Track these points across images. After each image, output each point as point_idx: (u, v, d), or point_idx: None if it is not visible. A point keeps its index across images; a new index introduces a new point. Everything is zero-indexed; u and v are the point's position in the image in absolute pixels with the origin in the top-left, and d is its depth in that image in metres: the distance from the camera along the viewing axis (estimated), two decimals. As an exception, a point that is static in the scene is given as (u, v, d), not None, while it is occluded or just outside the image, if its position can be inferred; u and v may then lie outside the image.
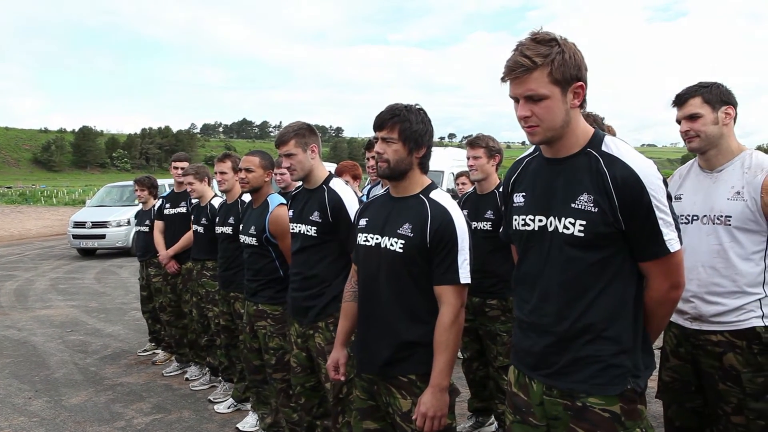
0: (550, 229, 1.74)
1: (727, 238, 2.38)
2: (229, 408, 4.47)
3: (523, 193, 1.86)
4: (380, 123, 2.22)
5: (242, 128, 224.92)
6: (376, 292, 2.26)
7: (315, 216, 2.89)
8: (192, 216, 4.96)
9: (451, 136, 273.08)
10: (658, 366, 2.65)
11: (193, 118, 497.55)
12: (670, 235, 1.65)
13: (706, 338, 2.43)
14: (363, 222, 2.37)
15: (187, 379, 5.28)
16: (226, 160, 4.30)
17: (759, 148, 2.43)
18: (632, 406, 1.68)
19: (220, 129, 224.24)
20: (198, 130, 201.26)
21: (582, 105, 1.73)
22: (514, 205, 1.89)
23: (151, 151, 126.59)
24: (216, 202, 4.64)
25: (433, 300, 2.18)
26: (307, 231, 2.92)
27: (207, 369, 5.16)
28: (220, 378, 4.88)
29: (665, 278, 1.71)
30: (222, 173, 4.26)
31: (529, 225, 1.81)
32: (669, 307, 1.78)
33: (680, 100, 2.49)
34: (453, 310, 2.13)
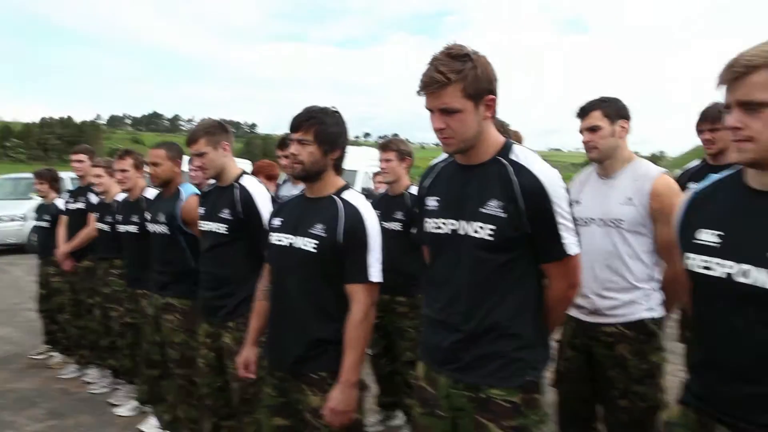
0: (461, 232, 1.82)
1: (619, 240, 2.57)
2: (133, 411, 4.26)
3: (437, 198, 1.94)
4: (296, 125, 2.23)
5: (152, 121, 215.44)
6: (288, 291, 2.28)
7: (225, 213, 2.83)
8: (96, 213, 4.70)
9: (366, 135, 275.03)
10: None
11: (98, 109, 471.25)
12: (569, 240, 1.78)
13: (601, 330, 2.61)
14: (277, 222, 2.38)
15: (86, 382, 4.98)
16: (127, 157, 4.08)
17: (652, 155, 2.67)
18: (531, 396, 1.80)
19: (128, 121, 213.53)
20: (104, 122, 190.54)
21: (493, 116, 1.83)
22: (427, 208, 1.95)
23: (51, 141, 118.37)
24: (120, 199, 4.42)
25: (344, 298, 2.20)
26: (218, 229, 2.85)
27: (108, 371, 4.90)
28: (122, 381, 4.66)
29: (564, 279, 1.85)
30: (123, 171, 4.04)
31: (441, 228, 1.88)
32: (566, 305, 1.94)
33: (583, 113, 2.68)
34: (363, 308, 2.18)
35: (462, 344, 1.83)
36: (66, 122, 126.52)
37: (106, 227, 4.50)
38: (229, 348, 2.83)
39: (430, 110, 1.79)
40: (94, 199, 4.89)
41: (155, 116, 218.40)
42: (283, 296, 2.31)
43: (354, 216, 2.21)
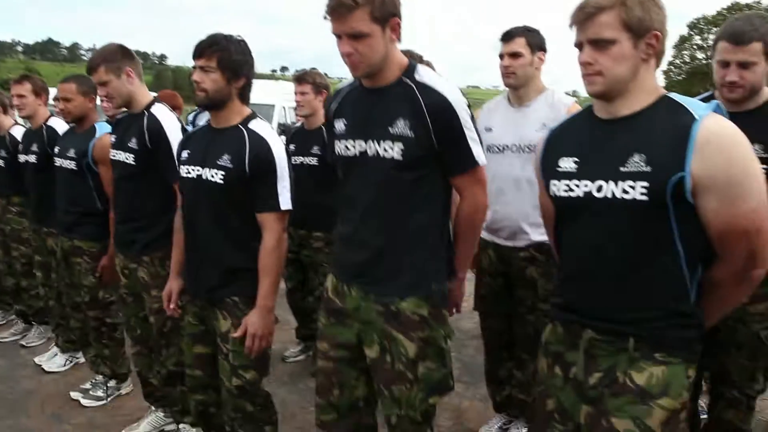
0: (370, 153, 1.89)
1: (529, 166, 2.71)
2: (65, 365, 4.02)
3: (344, 120, 1.98)
4: (199, 52, 2.21)
5: (47, 49, 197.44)
6: (199, 222, 2.33)
7: (133, 143, 2.73)
8: None
9: (284, 69, 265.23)
10: (473, 286, 3.01)
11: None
12: (477, 150, 1.89)
13: (515, 255, 2.80)
14: (185, 154, 2.38)
15: (-10, 327, 4.77)
16: (25, 82, 3.81)
17: (565, 93, 2.79)
18: (438, 310, 1.95)
19: (20, 48, 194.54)
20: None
21: (399, 39, 1.88)
22: (335, 131, 2.01)
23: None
24: (17, 132, 4.15)
25: (255, 227, 2.26)
26: (126, 159, 2.76)
27: (14, 316, 4.72)
28: (32, 322, 4.53)
29: (475, 188, 1.94)
30: (20, 96, 3.78)
31: (350, 150, 1.94)
32: (479, 221, 2.02)
33: (507, 37, 2.75)
34: (275, 235, 2.24)
35: (373, 259, 1.93)
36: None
37: (0, 162, 4.23)
38: (144, 282, 2.83)
39: (338, 36, 1.81)
40: None
41: (51, 43, 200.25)
42: (195, 227, 2.35)
43: (260, 145, 2.22)
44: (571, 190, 1.59)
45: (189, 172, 2.33)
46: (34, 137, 3.79)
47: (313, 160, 3.66)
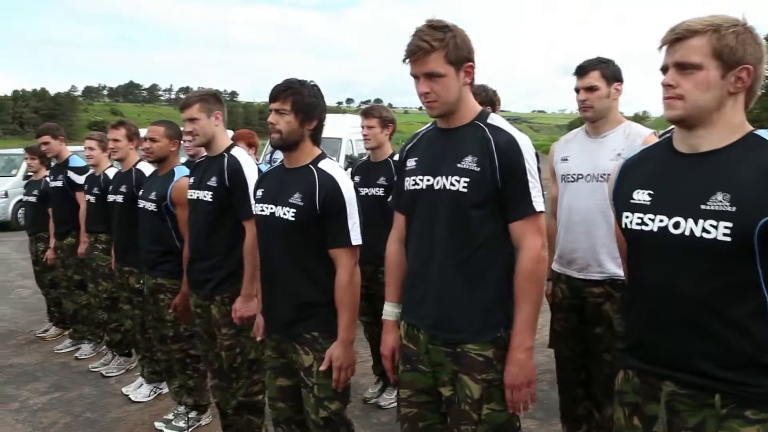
0: (437, 186, 1.93)
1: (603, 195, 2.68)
2: (149, 396, 4.19)
3: (416, 158, 2.06)
4: (274, 95, 2.34)
5: (129, 92, 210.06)
6: (274, 258, 2.40)
7: (212, 181, 2.89)
8: (85, 185, 4.71)
9: (349, 101, 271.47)
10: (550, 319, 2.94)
11: (73, 80, 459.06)
12: (537, 198, 1.89)
13: (590, 290, 2.73)
14: (260, 193, 2.48)
15: (76, 357, 5.04)
16: (120, 127, 4.11)
17: (635, 115, 2.75)
18: (503, 352, 1.91)
19: (105, 92, 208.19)
20: (80, 93, 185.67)
21: (472, 82, 1.96)
22: (407, 168, 2.08)
23: (26, 115, 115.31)
24: (111, 172, 4.45)
25: (328, 262, 2.33)
26: (204, 196, 2.91)
27: (104, 347, 4.98)
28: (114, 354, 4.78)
29: (533, 237, 1.87)
30: (115, 140, 4.07)
31: (418, 184, 2.00)
32: (539, 273, 1.89)
33: (582, 71, 2.73)
34: (348, 270, 2.31)
35: (438, 298, 1.94)
36: (40, 95, 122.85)
37: (92, 199, 4.53)
38: (216, 321, 2.96)
39: (416, 77, 1.92)
40: (75, 177, 4.91)
41: (132, 86, 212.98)
42: (270, 263, 2.42)
43: (330, 185, 2.30)
44: (644, 223, 1.52)
45: (263, 210, 2.41)
46: (124, 179, 4.04)
47: (379, 191, 3.71)
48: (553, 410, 3.39)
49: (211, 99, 2.97)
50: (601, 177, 2.65)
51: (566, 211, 2.78)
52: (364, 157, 4.00)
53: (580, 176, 2.74)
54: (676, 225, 1.45)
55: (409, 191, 2.03)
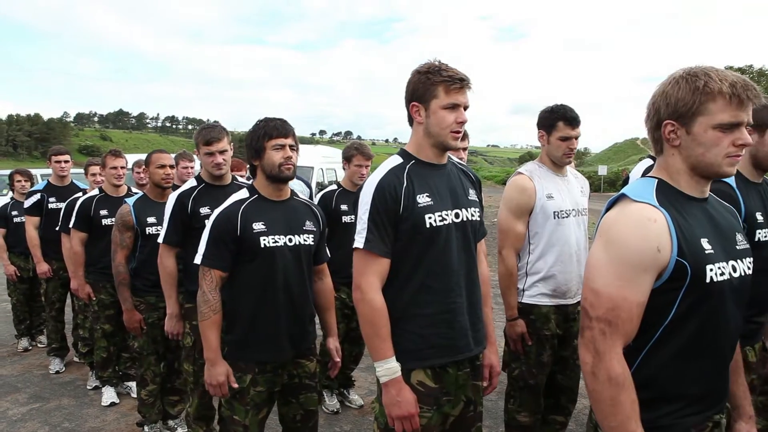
0: (465, 218, 1.95)
1: (584, 227, 2.82)
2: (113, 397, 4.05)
3: (427, 194, 1.87)
4: (286, 132, 2.25)
5: (119, 119, 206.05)
6: (295, 284, 2.31)
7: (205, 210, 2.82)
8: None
9: (322, 132, 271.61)
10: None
11: (65, 107, 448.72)
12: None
13: (575, 309, 2.72)
14: (260, 226, 2.24)
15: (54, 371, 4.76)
16: (120, 157, 4.07)
17: (577, 151, 2.73)
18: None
19: (95, 119, 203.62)
20: (71, 119, 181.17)
21: None
22: (421, 205, 1.84)
23: (19, 138, 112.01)
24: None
25: (311, 276, 2.46)
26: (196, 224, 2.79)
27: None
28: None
29: (482, 253, 2.13)
30: (120, 167, 4.02)
31: (446, 219, 1.88)
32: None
33: (576, 123, 2.68)
34: (330, 278, 2.60)
35: (479, 319, 2.00)
36: (34, 119, 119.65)
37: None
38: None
39: (455, 105, 1.83)
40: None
41: (122, 114, 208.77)
42: (290, 290, 2.29)
43: (320, 211, 2.50)
44: (723, 273, 1.33)
45: (277, 241, 2.26)
46: (115, 204, 3.87)
47: None
48: (500, 418, 3.37)
49: (228, 134, 3.02)
50: (583, 212, 2.79)
51: (562, 246, 2.68)
52: (332, 186, 3.98)
53: (570, 212, 2.72)
54: (734, 269, 1.36)
55: (436, 227, 1.85)
